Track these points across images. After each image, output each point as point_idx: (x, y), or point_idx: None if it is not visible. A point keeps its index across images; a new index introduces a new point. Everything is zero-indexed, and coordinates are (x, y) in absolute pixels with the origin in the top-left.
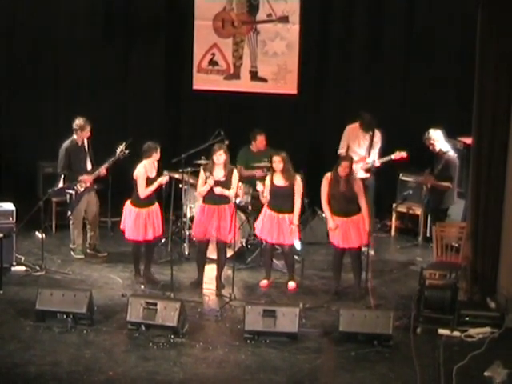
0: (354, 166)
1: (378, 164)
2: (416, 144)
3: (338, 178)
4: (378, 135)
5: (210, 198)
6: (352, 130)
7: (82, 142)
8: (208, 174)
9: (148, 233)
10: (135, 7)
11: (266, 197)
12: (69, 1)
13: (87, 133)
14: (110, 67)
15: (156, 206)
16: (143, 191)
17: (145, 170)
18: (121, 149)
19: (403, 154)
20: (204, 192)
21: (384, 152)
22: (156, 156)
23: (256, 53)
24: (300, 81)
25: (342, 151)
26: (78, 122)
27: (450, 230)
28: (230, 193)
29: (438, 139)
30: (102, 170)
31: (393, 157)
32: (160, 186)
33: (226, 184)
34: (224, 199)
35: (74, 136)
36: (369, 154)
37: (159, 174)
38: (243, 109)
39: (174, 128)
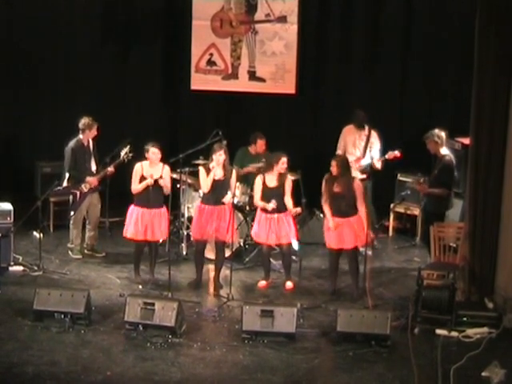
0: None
1: (378, 166)
2: (415, 144)
3: (332, 178)
4: (374, 135)
5: (209, 198)
6: (348, 130)
7: (88, 142)
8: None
9: (147, 233)
10: (134, 8)
11: (273, 206)
12: (68, 1)
13: (94, 132)
14: (108, 67)
15: (164, 209)
16: (133, 187)
17: (141, 167)
18: (125, 151)
19: (396, 153)
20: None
21: (384, 152)
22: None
23: (254, 53)
24: (298, 81)
25: (338, 152)
26: (85, 121)
27: (447, 231)
28: (229, 195)
29: (442, 141)
30: (108, 171)
31: (386, 157)
32: (147, 187)
33: (225, 184)
34: (223, 199)
35: (80, 136)
36: (364, 154)
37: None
38: (241, 109)
39: (172, 128)
